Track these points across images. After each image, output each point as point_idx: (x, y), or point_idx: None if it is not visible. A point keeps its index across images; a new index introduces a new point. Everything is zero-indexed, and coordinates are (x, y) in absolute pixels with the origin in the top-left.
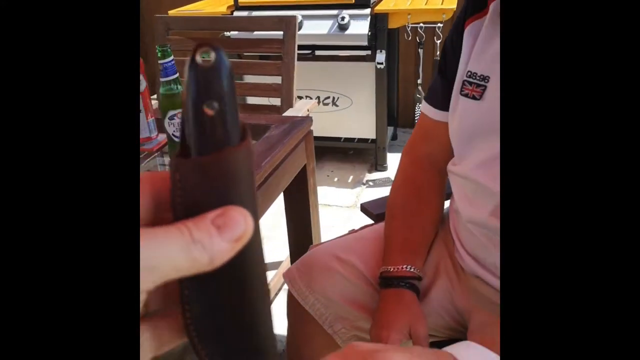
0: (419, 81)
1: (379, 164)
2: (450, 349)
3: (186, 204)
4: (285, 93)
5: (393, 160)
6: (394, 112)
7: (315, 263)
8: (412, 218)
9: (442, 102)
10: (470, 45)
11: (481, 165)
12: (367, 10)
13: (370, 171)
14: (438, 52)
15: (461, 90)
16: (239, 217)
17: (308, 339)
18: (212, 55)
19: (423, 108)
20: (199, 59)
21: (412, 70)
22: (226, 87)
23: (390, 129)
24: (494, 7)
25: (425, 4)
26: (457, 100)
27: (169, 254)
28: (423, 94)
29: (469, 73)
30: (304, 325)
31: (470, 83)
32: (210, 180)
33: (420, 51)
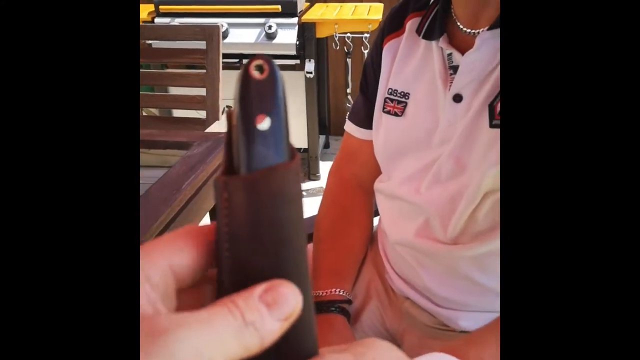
0: (349, 90)
1: (312, 173)
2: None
3: (233, 229)
4: (211, 105)
5: (326, 168)
6: (325, 120)
7: None
8: (340, 240)
9: (365, 120)
10: (390, 63)
11: (406, 181)
12: (295, 20)
13: (303, 181)
14: None
15: (383, 108)
16: (288, 293)
17: None
18: (266, 68)
19: (347, 127)
20: (253, 71)
21: (341, 79)
22: (280, 100)
23: (322, 138)
24: (410, 26)
25: (352, 14)
26: (380, 118)
27: (221, 341)
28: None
29: (390, 90)
30: None
31: (392, 100)
32: (261, 199)
33: (349, 60)
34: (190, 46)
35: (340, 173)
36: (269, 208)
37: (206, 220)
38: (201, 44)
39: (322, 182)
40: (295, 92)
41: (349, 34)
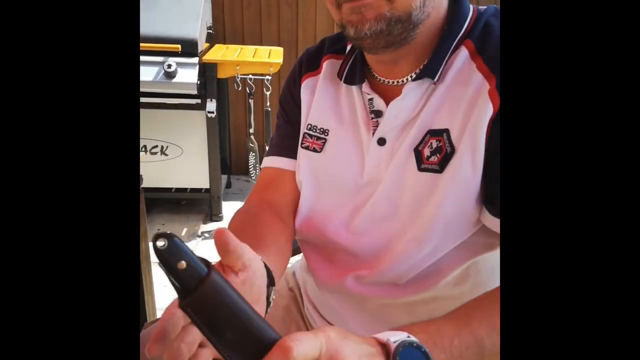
0: (251, 130)
1: (214, 214)
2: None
3: (207, 330)
4: None
5: (228, 209)
6: (226, 160)
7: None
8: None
9: (289, 150)
10: (309, 99)
11: (336, 222)
12: (195, 59)
13: (205, 222)
14: (268, 103)
15: (302, 144)
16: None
17: None
18: (165, 242)
19: (266, 162)
20: (156, 243)
21: (242, 119)
22: (187, 254)
23: (224, 178)
24: (327, 67)
25: (253, 57)
26: (300, 154)
27: None
28: (255, 142)
29: (309, 126)
30: None
31: (311, 136)
32: (210, 304)
33: (251, 101)
34: None
35: (260, 194)
36: (218, 306)
37: None
38: None
39: (225, 223)
40: (196, 132)
41: (250, 76)
